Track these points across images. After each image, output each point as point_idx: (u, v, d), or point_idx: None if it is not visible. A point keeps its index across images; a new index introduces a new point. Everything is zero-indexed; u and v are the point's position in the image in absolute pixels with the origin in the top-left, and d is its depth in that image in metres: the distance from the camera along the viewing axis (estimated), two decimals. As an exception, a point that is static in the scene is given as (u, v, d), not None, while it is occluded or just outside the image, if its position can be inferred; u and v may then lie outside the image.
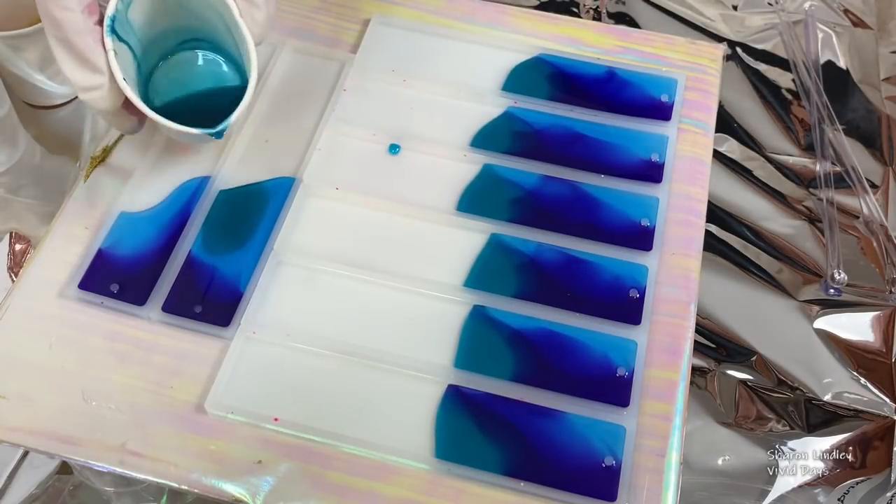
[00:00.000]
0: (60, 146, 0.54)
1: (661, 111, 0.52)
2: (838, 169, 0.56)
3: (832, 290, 0.50)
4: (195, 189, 0.47)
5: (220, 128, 0.42)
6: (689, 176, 0.50)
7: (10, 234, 0.51)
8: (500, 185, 0.48)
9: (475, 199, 0.48)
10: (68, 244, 0.46)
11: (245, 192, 0.48)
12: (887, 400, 0.47)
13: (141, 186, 0.48)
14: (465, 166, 0.49)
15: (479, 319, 0.44)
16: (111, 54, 0.40)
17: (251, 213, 0.47)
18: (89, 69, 0.39)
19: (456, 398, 0.42)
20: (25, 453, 0.43)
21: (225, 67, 0.46)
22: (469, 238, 0.47)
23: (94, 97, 0.40)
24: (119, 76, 0.40)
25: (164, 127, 0.42)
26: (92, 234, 0.46)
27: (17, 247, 0.50)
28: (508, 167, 0.49)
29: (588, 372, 0.42)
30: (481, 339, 0.43)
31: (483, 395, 0.42)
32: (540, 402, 0.42)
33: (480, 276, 0.45)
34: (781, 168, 0.56)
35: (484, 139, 0.50)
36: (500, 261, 0.46)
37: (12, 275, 0.49)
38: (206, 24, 0.44)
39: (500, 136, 0.50)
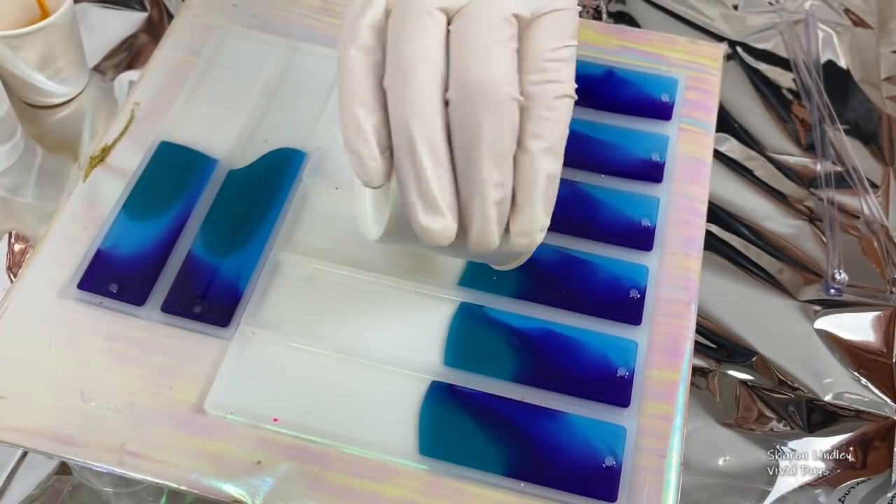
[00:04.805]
0: (60, 146, 0.54)
1: (662, 111, 0.52)
2: (839, 169, 0.55)
3: (833, 291, 0.50)
4: (195, 189, 0.47)
5: None
6: (690, 176, 0.49)
7: (10, 234, 0.50)
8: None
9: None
10: (67, 244, 0.46)
11: (251, 170, 0.48)
12: (888, 400, 0.47)
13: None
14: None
15: (469, 317, 0.44)
16: None
17: (253, 205, 0.47)
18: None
19: (440, 394, 0.41)
20: (24, 454, 0.43)
21: None
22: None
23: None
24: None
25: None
26: (91, 234, 0.46)
27: (17, 247, 0.50)
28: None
29: (588, 372, 0.42)
30: (475, 336, 0.43)
31: (481, 394, 0.41)
32: (540, 403, 0.41)
33: (478, 275, 0.45)
34: (782, 168, 0.56)
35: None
36: (500, 261, 0.46)
37: (11, 275, 0.49)
38: None
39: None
